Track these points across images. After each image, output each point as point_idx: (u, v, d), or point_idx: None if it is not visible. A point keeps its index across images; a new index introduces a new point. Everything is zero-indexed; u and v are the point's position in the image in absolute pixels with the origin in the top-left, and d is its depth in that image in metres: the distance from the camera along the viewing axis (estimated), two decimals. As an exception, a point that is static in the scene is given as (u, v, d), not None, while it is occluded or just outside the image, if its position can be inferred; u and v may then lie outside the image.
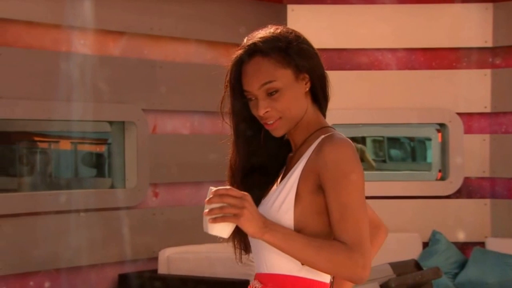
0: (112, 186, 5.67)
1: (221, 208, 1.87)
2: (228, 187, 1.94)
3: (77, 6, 5.29)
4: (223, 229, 1.89)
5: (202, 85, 5.73)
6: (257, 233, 1.89)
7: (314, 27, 6.56)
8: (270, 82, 1.99)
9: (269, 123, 2.02)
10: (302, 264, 1.97)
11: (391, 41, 6.65)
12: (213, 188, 1.90)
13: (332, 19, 6.61)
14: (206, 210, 1.89)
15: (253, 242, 2.05)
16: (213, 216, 1.87)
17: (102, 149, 6.28)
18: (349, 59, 6.64)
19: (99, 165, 6.23)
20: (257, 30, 2.07)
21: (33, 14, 5.15)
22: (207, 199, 1.89)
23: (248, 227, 1.88)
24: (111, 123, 5.67)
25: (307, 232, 1.96)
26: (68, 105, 5.24)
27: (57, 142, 6.11)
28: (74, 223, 5.28)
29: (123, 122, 5.63)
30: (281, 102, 1.99)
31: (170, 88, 5.81)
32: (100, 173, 6.16)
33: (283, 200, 1.99)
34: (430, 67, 6.67)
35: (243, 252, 2.13)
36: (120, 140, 5.65)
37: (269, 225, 1.90)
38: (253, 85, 2.00)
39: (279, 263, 2.00)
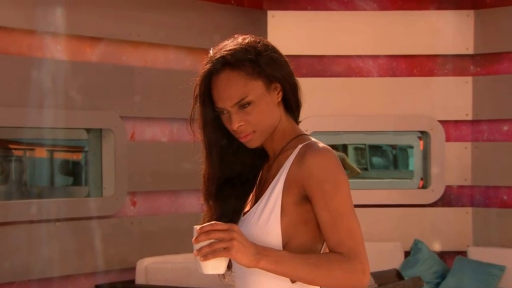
0: (89, 195, 5.61)
1: (210, 245, 1.84)
2: (213, 222, 1.89)
3: (54, 11, 5.23)
4: (217, 266, 1.86)
5: (182, 92, 5.65)
6: (251, 262, 1.85)
7: (295, 33, 6.53)
8: (242, 99, 1.95)
9: (243, 136, 1.99)
10: (292, 282, 1.94)
11: (372, 48, 6.62)
12: (197, 227, 1.86)
13: (312, 25, 6.57)
14: (195, 251, 1.85)
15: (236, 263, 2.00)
16: (204, 254, 1.84)
17: (79, 157, 6.22)
18: (329, 65, 6.60)
19: (76, 173, 6.16)
20: (223, 41, 2.03)
21: (9, 19, 5.08)
22: (193, 238, 1.85)
23: (240, 258, 1.85)
24: (88, 130, 5.61)
25: (294, 243, 1.95)
26: (44, 112, 5.17)
27: (32, 150, 6.04)
28: (49, 232, 5.21)
29: (100, 130, 5.57)
30: (254, 115, 1.97)
31: (148, 95, 5.76)
32: (77, 182, 6.10)
33: (268, 215, 1.96)
34: (411, 74, 6.65)
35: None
36: (97, 148, 5.59)
37: (261, 251, 1.87)
38: (226, 102, 1.96)
39: (268, 285, 1.97)
